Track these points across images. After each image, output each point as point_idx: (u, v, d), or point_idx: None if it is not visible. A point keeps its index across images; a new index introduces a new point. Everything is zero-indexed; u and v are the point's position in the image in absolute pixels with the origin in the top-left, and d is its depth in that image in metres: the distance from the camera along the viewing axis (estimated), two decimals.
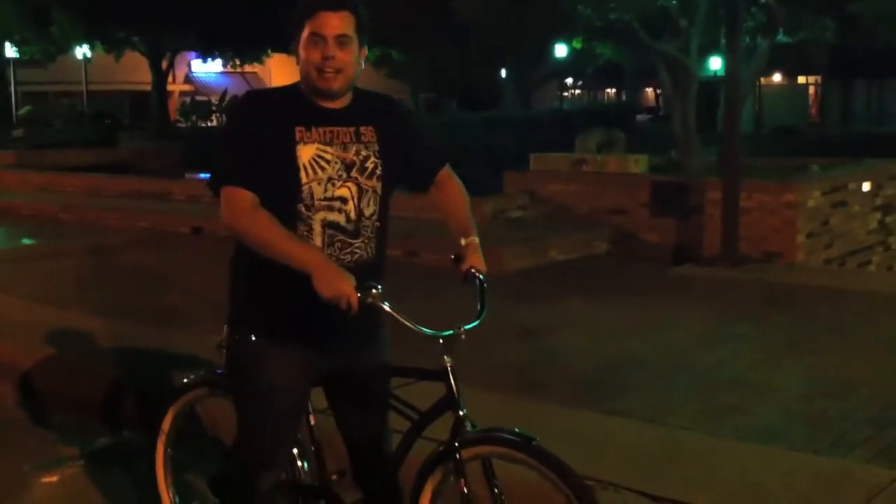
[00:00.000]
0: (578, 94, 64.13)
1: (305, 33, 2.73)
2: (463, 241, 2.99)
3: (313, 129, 2.77)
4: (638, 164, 11.35)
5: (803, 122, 44.21)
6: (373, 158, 2.85)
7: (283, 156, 2.73)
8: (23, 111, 31.04)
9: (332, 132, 2.80)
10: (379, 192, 2.87)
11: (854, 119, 45.44)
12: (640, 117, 42.27)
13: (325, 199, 2.77)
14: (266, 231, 2.68)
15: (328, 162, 2.77)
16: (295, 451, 3.13)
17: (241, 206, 2.71)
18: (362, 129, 2.85)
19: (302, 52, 2.75)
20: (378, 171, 2.85)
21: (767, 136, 32.36)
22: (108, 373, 5.74)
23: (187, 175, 18.37)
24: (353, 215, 2.81)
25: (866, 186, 11.08)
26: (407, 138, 2.98)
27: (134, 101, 46.60)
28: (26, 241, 11.66)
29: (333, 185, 2.78)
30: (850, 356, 6.06)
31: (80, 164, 18.74)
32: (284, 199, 2.74)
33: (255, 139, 2.73)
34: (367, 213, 2.85)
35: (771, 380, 5.54)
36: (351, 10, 2.74)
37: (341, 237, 2.81)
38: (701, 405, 5.08)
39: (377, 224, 2.89)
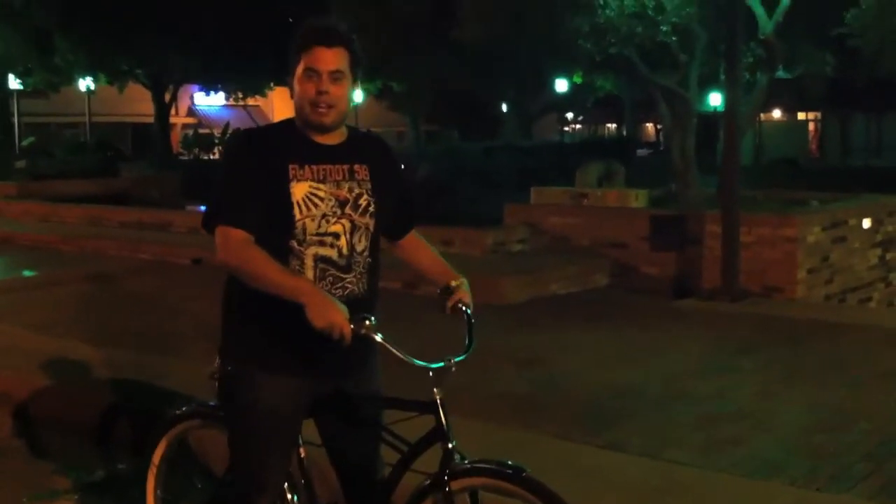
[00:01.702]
0: (579, 128, 64.46)
1: (301, 68, 2.79)
2: (454, 283, 3.02)
3: (306, 166, 2.82)
4: (638, 198, 11.38)
5: (804, 157, 44.42)
6: (366, 196, 2.90)
7: (278, 193, 2.78)
8: (25, 142, 31.19)
9: (325, 170, 2.85)
10: (371, 228, 2.92)
11: (853, 152, 45.62)
12: (640, 152, 42.45)
13: (318, 234, 2.82)
14: (259, 266, 2.71)
15: (321, 199, 2.82)
16: (285, 483, 3.12)
17: (235, 243, 2.75)
18: (356, 166, 2.91)
19: (297, 86, 2.81)
20: (371, 209, 2.90)
21: (767, 168, 32.48)
22: (104, 401, 5.72)
23: (188, 206, 18.42)
24: (345, 250, 2.86)
25: (867, 223, 11.09)
26: (396, 183, 3.04)
27: (136, 133, 46.86)
28: (27, 272, 11.66)
29: (328, 221, 2.83)
30: (851, 390, 6.04)
31: (82, 194, 18.82)
32: (278, 234, 2.79)
33: (248, 178, 2.78)
34: (359, 248, 2.89)
35: (771, 413, 5.52)
36: (345, 47, 2.81)
37: (333, 272, 2.85)
38: (700, 438, 5.05)
39: (368, 260, 2.93)
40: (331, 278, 2.84)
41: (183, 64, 29.81)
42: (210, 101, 50.70)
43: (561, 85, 35.58)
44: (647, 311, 8.86)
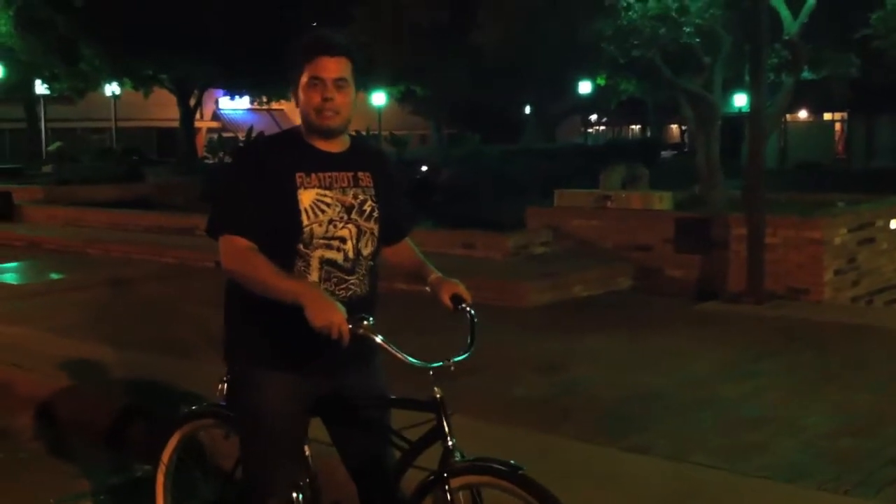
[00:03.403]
0: (602, 129, 64.26)
1: (305, 77, 2.90)
2: (432, 276, 3.15)
3: (313, 174, 2.93)
4: (662, 200, 11.32)
5: (829, 158, 44.03)
6: (370, 202, 3.02)
7: (285, 200, 2.88)
8: (52, 147, 31.40)
9: (331, 177, 2.96)
10: (376, 233, 3.03)
11: (879, 154, 45.18)
12: (664, 154, 42.26)
13: (325, 237, 2.92)
14: (260, 272, 2.81)
15: (328, 205, 2.93)
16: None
17: (238, 251, 2.86)
18: (360, 174, 3.02)
19: (302, 95, 2.92)
20: (375, 214, 3.02)
21: (792, 172, 32.26)
22: (127, 405, 5.75)
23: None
24: (351, 254, 2.97)
25: (894, 224, 10.98)
26: (394, 191, 3.15)
27: (162, 138, 47.14)
28: (53, 276, 11.75)
29: (335, 226, 2.94)
30: (878, 394, 5.97)
31: (107, 199, 18.89)
32: (285, 238, 2.90)
33: (252, 188, 2.88)
34: (365, 252, 3.01)
35: (797, 417, 5.47)
36: (348, 56, 2.92)
37: (338, 273, 2.95)
38: (725, 442, 5.01)
39: (371, 263, 3.04)
40: (335, 279, 2.94)
41: (206, 70, 29.96)
42: (234, 105, 51.01)
43: (584, 87, 35.48)
44: (671, 314, 8.81)
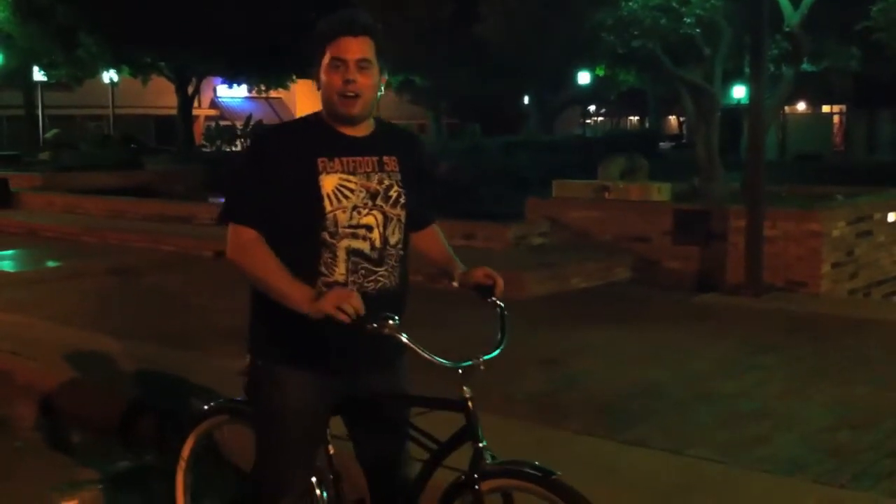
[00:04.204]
0: (601, 120, 64.21)
1: (326, 58, 2.78)
2: (459, 271, 3.04)
3: (336, 159, 2.81)
4: (661, 191, 11.31)
5: (828, 151, 44.01)
6: (396, 187, 2.89)
7: (307, 186, 2.77)
8: (49, 134, 31.34)
9: (354, 162, 2.84)
10: (403, 220, 2.90)
11: (879, 148, 45.17)
12: (663, 145, 42.21)
13: (350, 226, 2.80)
14: (260, 268, 2.75)
15: (352, 191, 2.81)
16: (313, 479, 3.12)
17: (242, 242, 2.78)
18: (385, 158, 2.90)
19: (323, 77, 2.80)
20: (402, 200, 2.89)
21: (791, 164, 32.24)
22: (126, 394, 5.75)
23: (210, 199, 18.48)
24: (377, 243, 2.84)
25: (892, 217, 10.99)
26: (423, 175, 3.04)
27: (159, 125, 47.08)
28: (51, 263, 11.74)
29: (359, 213, 2.81)
30: (875, 387, 5.98)
31: (105, 186, 18.89)
32: (309, 227, 2.78)
33: (267, 177, 2.78)
34: (393, 241, 2.88)
35: (795, 410, 5.47)
36: (371, 36, 2.79)
37: (365, 265, 2.83)
38: (724, 435, 5.02)
39: (401, 252, 2.92)
40: (363, 271, 2.82)
41: (207, 59, 29.88)
42: (233, 94, 50.87)
43: (584, 77, 35.41)
44: (670, 306, 8.81)
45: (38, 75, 33.76)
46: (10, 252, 12.80)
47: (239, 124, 38.13)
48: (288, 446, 2.94)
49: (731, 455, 4.68)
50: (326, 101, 2.82)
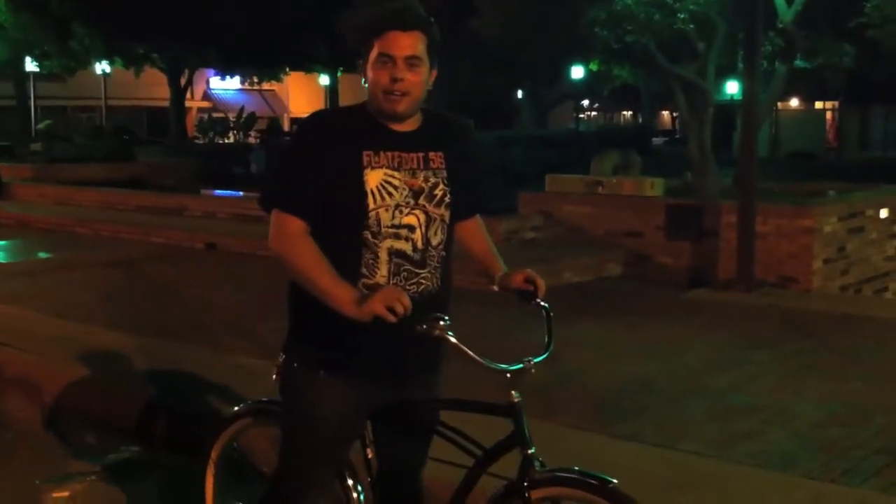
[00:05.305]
0: (594, 115, 64.24)
1: (374, 53, 2.63)
2: (500, 273, 2.96)
3: (382, 153, 2.67)
4: (654, 187, 11.31)
5: (820, 148, 44.10)
6: (441, 186, 2.75)
7: (351, 180, 2.63)
8: (41, 125, 31.21)
9: (399, 157, 2.69)
10: (447, 220, 2.77)
11: (871, 144, 45.30)
12: (656, 140, 42.28)
13: (393, 226, 2.66)
14: (305, 261, 2.60)
15: (396, 188, 2.67)
16: (350, 481, 3.03)
17: (287, 232, 2.63)
18: (431, 154, 2.75)
19: (370, 73, 2.65)
20: (447, 199, 2.75)
21: (784, 161, 32.31)
22: (120, 387, 5.74)
23: (202, 191, 18.45)
24: (419, 244, 2.70)
25: (884, 213, 11.02)
26: (468, 169, 2.89)
27: (152, 117, 46.93)
28: (42, 255, 11.71)
29: (401, 212, 2.67)
30: (866, 382, 6.00)
31: (98, 178, 18.83)
32: (351, 225, 2.65)
33: (317, 164, 2.64)
34: (435, 242, 2.74)
35: (786, 406, 5.49)
36: (423, 30, 2.64)
37: (408, 266, 2.70)
38: (715, 429, 5.03)
39: (443, 253, 2.78)
40: (405, 273, 2.69)
41: (199, 50, 29.81)
42: (225, 85, 50.72)
43: (577, 72, 35.41)
44: (662, 302, 8.83)
45: (31, 66, 33.67)
46: (1, 243, 12.76)
47: (232, 116, 38.07)
48: (314, 449, 2.83)
49: (722, 449, 4.70)
50: (372, 98, 2.68)
